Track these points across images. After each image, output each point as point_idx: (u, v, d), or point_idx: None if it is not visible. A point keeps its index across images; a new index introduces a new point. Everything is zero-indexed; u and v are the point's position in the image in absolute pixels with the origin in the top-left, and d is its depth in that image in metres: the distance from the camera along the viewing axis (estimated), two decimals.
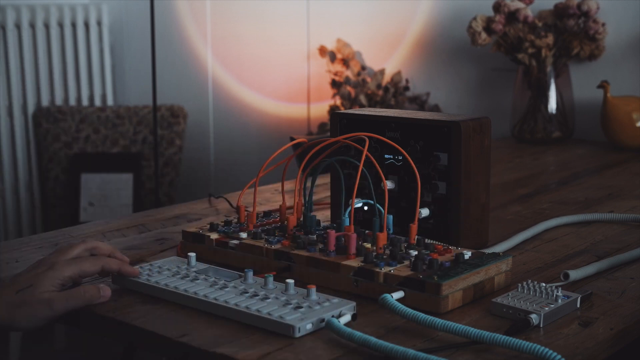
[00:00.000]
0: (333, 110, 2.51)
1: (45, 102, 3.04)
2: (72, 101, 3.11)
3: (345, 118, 1.19)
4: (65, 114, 2.96)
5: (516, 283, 0.94)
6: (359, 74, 2.54)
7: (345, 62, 2.58)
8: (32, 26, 3.01)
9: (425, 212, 1.10)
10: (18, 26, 2.97)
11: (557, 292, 0.90)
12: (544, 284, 0.91)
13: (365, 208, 1.16)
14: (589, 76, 2.20)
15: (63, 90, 3.10)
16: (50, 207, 2.98)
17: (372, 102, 2.47)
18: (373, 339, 0.79)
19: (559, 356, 0.75)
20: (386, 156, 1.14)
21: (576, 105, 2.20)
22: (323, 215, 1.30)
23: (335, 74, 2.59)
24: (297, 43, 2.78)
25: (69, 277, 0.93)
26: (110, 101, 3.20)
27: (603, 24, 2.09)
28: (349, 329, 0.82)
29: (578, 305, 0.92)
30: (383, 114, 1.17)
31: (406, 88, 2.50)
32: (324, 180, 1.54)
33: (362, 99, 2.46)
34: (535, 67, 2.13)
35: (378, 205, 1.03)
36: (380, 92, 2.48)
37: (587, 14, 2.07)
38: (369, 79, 2.52)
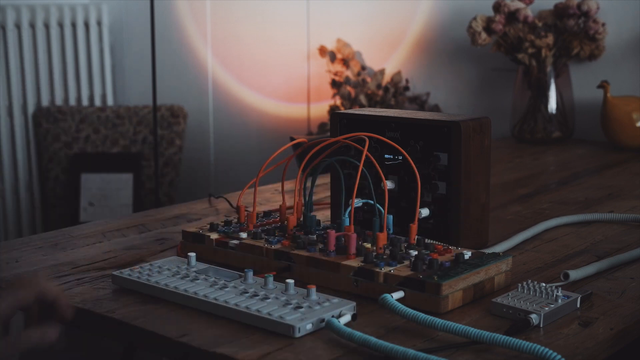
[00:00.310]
0: (333, 110, 2.51)
1: (45, 102, 3.04)
2: (72, 101, 3.11)
3: (345, 118, 1.19)
4: (65, 114, 2.96)
5: (516, 283, 0.94)
6: (359, 74, 2.54)
7: (345, 62, 2.57)
8: (32, 26, 3.01)
9: (425, 212, 1.10)
10: (18, 26, 2.97)
11: (557, 292, 0.90)
12: (544, 284, 0.91)
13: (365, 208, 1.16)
14: (589, 76, 2.20)
15: (63, 90, 3.10)
16: (50, 207, 2.98)
17: (372, 102, 2.47)
18: (373, 339, 0.79)
19: (559, 356, 0.75)
20: (386, 156, 1.14)
21: (576, 105, 2.20)
22: (323, 215, 1.30)
23: (335, 74, 2.59)
24: (297, 43, 2.78)
25: (4, 313, 0.82)
26: (110, 101, 3.19)
27: (603, 24, 2.08)
28: (349, 329, 0.81)
29: (578, 305, 0.92)
30: (383, 114, 1.17)
31: (406, 88, 2.50)
32: (324, 180, 1.54)
33: (362, 99, 2.46)
34: (535, 67, 2.13)
35: (378, 205, 1.03)
36: (380, 92, 2.48)
37: (587, 14, 2.07)
38: (369, 79, 2.52)
